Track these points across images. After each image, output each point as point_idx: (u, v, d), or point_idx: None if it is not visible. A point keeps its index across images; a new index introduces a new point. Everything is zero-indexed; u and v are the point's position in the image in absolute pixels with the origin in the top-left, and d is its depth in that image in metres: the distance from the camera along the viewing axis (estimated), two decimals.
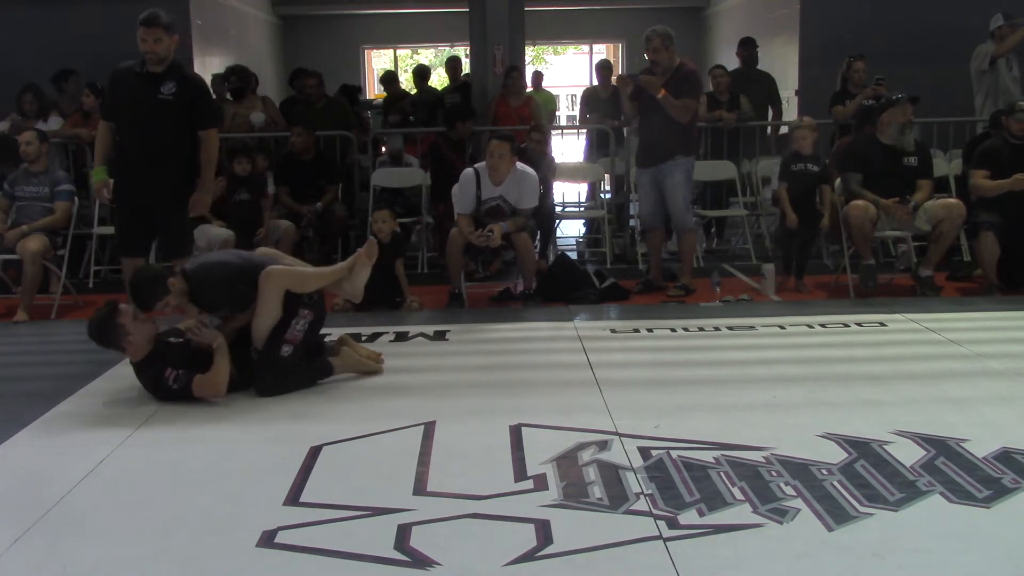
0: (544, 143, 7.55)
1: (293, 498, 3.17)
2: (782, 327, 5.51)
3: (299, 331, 4.34)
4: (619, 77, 7.05)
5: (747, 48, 9.18)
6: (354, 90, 10.90)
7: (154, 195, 5.42)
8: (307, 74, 8.85)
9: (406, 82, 12.79)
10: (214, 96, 9.49)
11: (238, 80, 8.62)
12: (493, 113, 8.67)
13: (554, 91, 12.89)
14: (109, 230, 7.72)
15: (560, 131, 10.45)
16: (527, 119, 8.21)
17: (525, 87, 9.14)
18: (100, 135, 5.58)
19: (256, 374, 4.33)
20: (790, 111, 10.38)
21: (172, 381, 4.17)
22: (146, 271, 4.55)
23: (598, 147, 8.94)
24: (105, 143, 5.54)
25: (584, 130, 9.80)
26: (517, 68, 8.86)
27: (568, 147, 10.94)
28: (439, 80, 15.85)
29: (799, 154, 6.63)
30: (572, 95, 21.19)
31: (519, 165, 6.31)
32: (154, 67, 5.30)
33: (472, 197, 6.25)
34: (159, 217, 5.48)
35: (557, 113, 13.36)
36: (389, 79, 10.89)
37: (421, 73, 10.96)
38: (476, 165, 6.39)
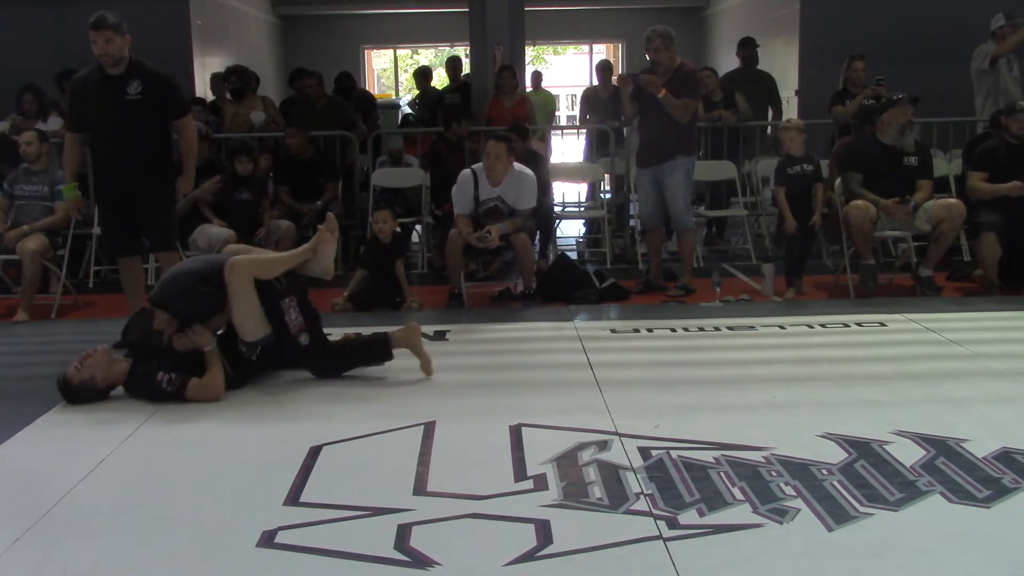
0: (521, 144, 7.44)
1: (293, 498, 3.17)
2: (782, 327, 5.51)
3: (297, 318, 4.40)
4: (620, 77, 7.04)
5: (747, 48, 9.18)
6: (348, 87, 10.89)
7: (134, 194, 5.44)
8: (307, 74, 8.85)
9: (407, 81, 12.83)
10: (213, 94, 9.58)
11: (238, 80, 8.62)
12: (487, 114, 8.66)
13: (554, 91, 12.88)
14: None
15: (560, 131, 10.45)
16: (521, 119, 8.17)
17: (518, 87, 9.12)
18: (68, 148, 5.55)
19: (312, 368, 4.51)
20: (790, 111, 10.38)
21: (165, 384, 4.16)
22: (135, 333, 4.41)
23: (598, 147, 8.93)
24: (74, 157, 5.54)
25: (584, 130, 9.80)
26: (509, 68, 8.81)
27: (568, 147, 10.94)
28: (439, 80, 15.86)
29: (792, 156, 6.57)
30: (572, 95, 21.20)
31: (517, 165, 6.30)
32: (113, 69, 5.29)
33: (470, 198, 6.25)
34: (142, 215, 5.50)
35: (557, 113, 13.35)
36: (423, 74, 10.97)
37: (423, 73, 10.98)
38: (474, 166, 6.38)
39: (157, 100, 5.36)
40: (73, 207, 5.63)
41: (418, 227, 8.29)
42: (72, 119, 5.59)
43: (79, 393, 4.18)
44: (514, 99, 8.69)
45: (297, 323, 4.39)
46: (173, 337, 4.33)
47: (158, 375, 4.16)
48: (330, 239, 4.60)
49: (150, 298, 4.43)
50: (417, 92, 10.86)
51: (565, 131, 10.89)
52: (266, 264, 4.44)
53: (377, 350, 4.60)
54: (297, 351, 4.44)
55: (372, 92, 16.41)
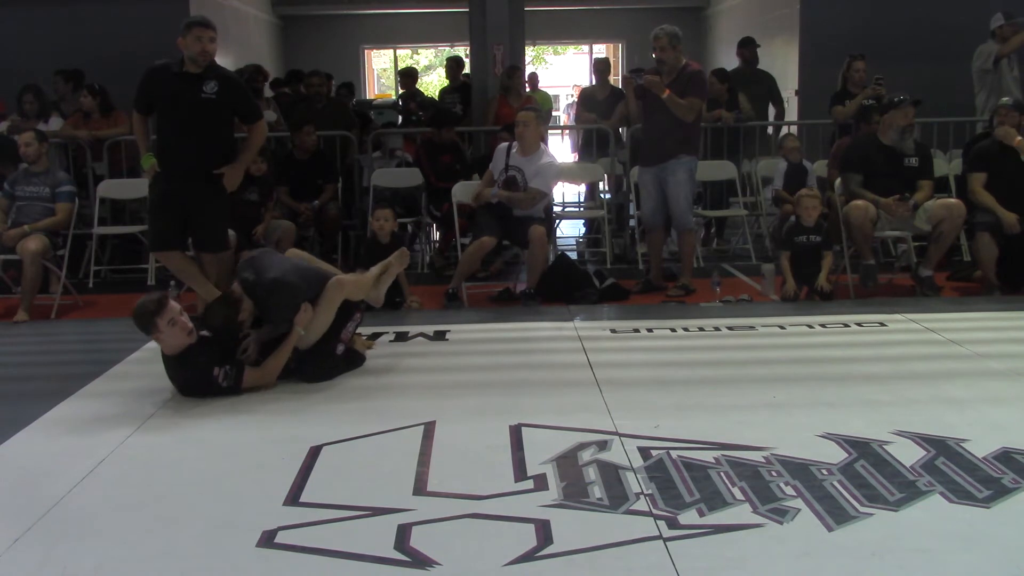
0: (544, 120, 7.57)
1: (293, 498, 3.17)
2: (782, 327, 5.51)
3: (350, 331, 4.66)
4: (624, 77, 7.08)
5: (748, 48, 9.18)
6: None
7: (193, 191, 5.56)
8: (313, 73, 8.89)
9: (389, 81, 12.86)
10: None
11: (262, 80, 8.64)
12: (494, 112, 8.67)
13: (554, 91, 12.92)
14: (109, 230, 7.75)
15: (560, 131, 10.46)
16: None
17: (524, 86, 9.16)
18: (139, 124, 5.70)
19: (307, 365, 4.50)
20: (790, 111, 10.38)
21: (222, 379, 4.21)
22: (217, 318, 4.38)
23: (597, 147, 8.93)
24: (145, 131, 5.69)
25: (579, 130, 9.79)
26: (517, 68, 8.87)
27: (568, 147, 10.95)
28: (439, 80, 15.89)
29: (802, 225, 6.33)
30: (572, 95, 21.22)
31: (544, 147, 6.63)
32: (194, 67, 5.42)
33: (501, 165, 6.57)
34: (196, 212, 5.62)
35: (556, 113, 13.39)
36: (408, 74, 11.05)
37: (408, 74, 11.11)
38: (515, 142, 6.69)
39: (231, 102, 5.55)
40: (152, 173, 5.67)
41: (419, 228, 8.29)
42: (141, 102, 5.64)
43: (143, 325, 4.14)
44: (521, 99, 8.72)
45: (347, 335, 4.62)
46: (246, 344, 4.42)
47: (214, 371, 4.19)
48: (395, 273, 5.10)
49: (245, 279, 4.41)
50: (403, 91, 10.93)
51: (565, 131, 10.90)
52: (360, 286, 4.75)
53: (356, 365, 4.77)
54: (322, 351, 4.51)
55: (373, 92, 16.45)
